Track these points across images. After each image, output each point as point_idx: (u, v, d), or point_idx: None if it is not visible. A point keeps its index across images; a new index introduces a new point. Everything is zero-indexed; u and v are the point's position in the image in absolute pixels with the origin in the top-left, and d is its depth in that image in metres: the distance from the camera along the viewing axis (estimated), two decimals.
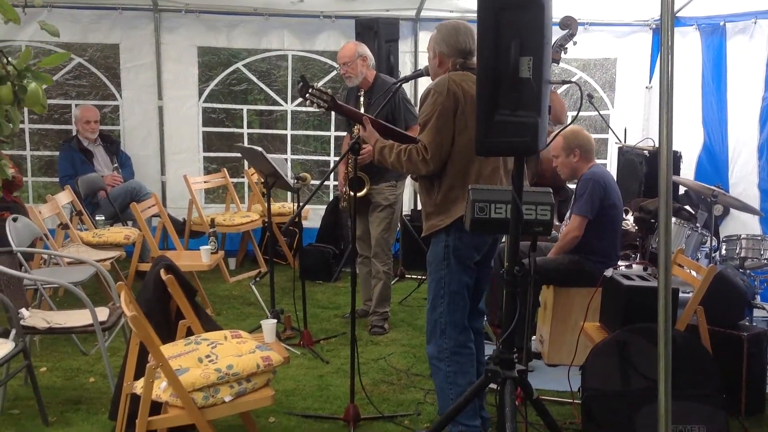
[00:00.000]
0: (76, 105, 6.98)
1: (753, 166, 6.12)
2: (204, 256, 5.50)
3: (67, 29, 6.66)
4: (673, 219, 4.90)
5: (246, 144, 7.16)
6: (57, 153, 6.89)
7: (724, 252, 5.14)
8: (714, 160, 6.58)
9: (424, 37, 7.09)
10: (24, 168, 7.09)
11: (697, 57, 6.74)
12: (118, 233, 5.94)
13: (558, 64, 5.28)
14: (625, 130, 6.74)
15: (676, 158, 6.02)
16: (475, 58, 3.23)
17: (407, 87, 6.20)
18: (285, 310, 5.20)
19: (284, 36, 7.20)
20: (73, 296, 4.38)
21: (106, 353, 4.03)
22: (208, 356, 3.15)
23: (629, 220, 5.32)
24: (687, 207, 5.42)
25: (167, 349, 3.16)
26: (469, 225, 2.94)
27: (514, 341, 2.82)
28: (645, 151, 6.00)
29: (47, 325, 3.94)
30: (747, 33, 6.23)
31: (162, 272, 3.49)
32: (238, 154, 7.09)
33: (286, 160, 7.41)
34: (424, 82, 4.61)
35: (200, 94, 7.25)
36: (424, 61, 6.63)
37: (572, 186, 4.86)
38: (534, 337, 4.66)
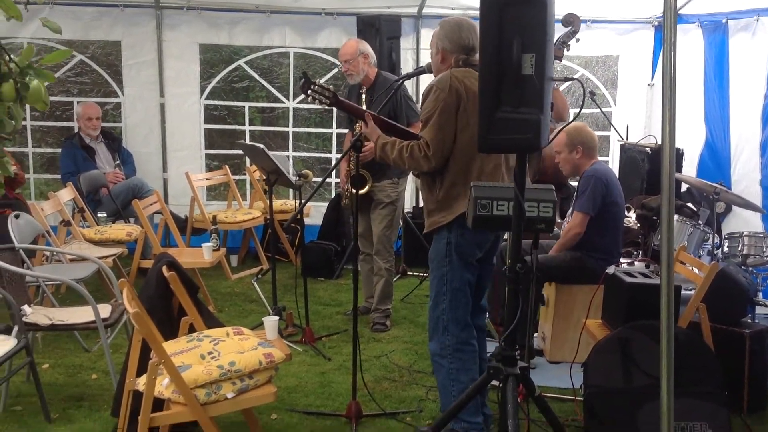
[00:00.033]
0: (78, 102, 6.98)
1: (755, 164, 6.11)
2: (206, 253, 5.50)
3: (68, 26, 6.66)
4: (676, 216, 4.90)
5: (248, 141, 7.16)
6: (59, 150, 6.90)
7: (726, 249, 5.13)
8: (716, 158, 6.57)
9: (426, 34, 7.08)
10: (26, 165, 7.09)
11: (700, 54, 6.73)
12: (120, 230, 5.94)
13: (561, 61, 5.27)
14: (627, 127, 6.73)
15: (679, 155, 6.01)
16: (477, 55, 3.23)
17: (409, 84, 6.19)
18: (287, 307, 5.20)
19: (286, 33, 7.19)
20: (75, 293, 4.38)
21: (109, 350, 4.04)
22: (210, 353, 3.15)
23: (631, 218, 5.32)
24: (689, 204, 5.42)
25: (169, 346, 3.17)
26: (471, 222, 2.94)
27: (516, 338, 2.82)
28: (647, 149, 6.00)
29: (49, 322, 3.94)
30: (749, 30, 6.22)
31: (164, 269, 3.49)
32: (240, 151, 7.09)
33: (287, 157, 7.41)
34: (426, 80, 4.61)
35: (202, 91, 7.25)
36: (425, 58, 6.62)
37: (574, 183, 4.86)
38: (536, 335, 4.66)
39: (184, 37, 7.09)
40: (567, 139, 4.46)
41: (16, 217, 4.68)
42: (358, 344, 3.82)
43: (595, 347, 3.61)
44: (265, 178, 5.15)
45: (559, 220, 4.74)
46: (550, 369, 4.43)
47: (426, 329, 3.70)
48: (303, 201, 4.71)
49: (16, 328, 3.69)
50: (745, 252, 5.01)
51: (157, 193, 6.25)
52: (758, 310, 4.96)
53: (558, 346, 4.38)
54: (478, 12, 2.60)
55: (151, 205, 6.00)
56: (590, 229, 4.33)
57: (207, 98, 7.33)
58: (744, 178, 6.23)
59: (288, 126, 7.59)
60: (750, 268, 5.03)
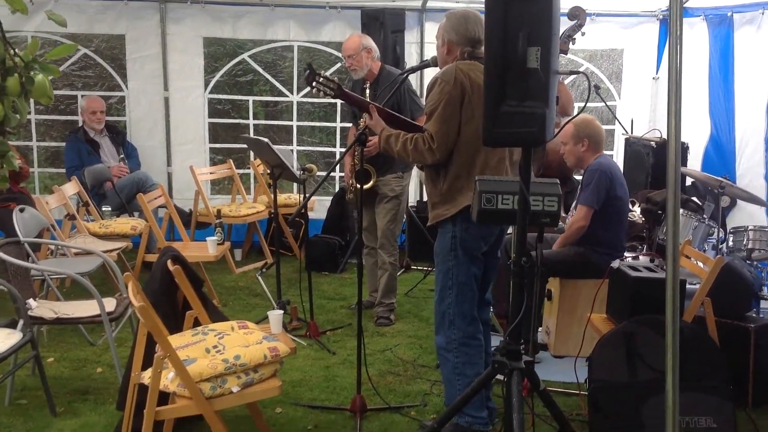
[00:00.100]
0: (82, 96, 6.98)
1: (760, 157, 6.11)
2: (210, 247, 5.51)
3: (73, 20, 6.67)
4: (681, 210, 4.88)
5: (252, 135, 7.16)
6: (63, 144, 6.89)
7: (731, 243, 5.12)
8: (721, 152, 6.56)
9: (430, 28, 7.06)
10: (30, 159, 7.10)
11: (705, 48, 6.71)
12: (125, 224, 5.95)
13: (566, 54, 5.25)
14: (632, 121, 6.72)
15: (684, 149, 6.01)
16: (483, 48, 3.22)
17: (413, 78, 6.18)
18: (291, 301, 5.20)
19: (290, 27, 7.18)
20: (80, 287, 4.39)
21: (114, 344, 4.05)
22: (215, 347, 3.15)
23: (636, 212, 5.31)
24: (694, 198, 5.40)
25: (174, 340, 3.17)
26: (476, 216, 2.94)
27: (521, 332, 2.81)
28: (652, 143, 5.98)
29: (55, 316, 3.95)
30: (754, 24, 6.21)
31: (169, 263, 3.50)
32: (244, 145, 7.09)
33: (291, 151, 7.41)
34: (430, 73, 4.59)
35: (206, 85, 7.25)
36: (430, 52, 6.62)
37: (578, 177, 4.85)
38: (540, 329, 4.66)
39: (188, 31, 7.08)
40: (574, 131, 4.45)
41: (21, 210, 4.69)
42: (363, 338, 3.82)
43: (600, 341, 3.61)
44: (269, 172, 5.15)
45: (563, 214, 4.73)
46: (554, 363, 4.43)
47: (430, 323, 3.71)
48: (307, 195, 4.71)
49: (21, 322, 3.70)
50: (750, 246, 5.00)
51: (161, 187, 6.25)
52: (763, 304, 4.94)
53: (562, 340, 4.38)
54: (482, 5, 2.59)
55: (156, 199, 6.00)
56: (594, 223, 4.32)
57: (211, 92, 7.32)
58: (749, 172, 6.23)
59: (292, 120, 7.58)
60: (755, 263, 5.02)
